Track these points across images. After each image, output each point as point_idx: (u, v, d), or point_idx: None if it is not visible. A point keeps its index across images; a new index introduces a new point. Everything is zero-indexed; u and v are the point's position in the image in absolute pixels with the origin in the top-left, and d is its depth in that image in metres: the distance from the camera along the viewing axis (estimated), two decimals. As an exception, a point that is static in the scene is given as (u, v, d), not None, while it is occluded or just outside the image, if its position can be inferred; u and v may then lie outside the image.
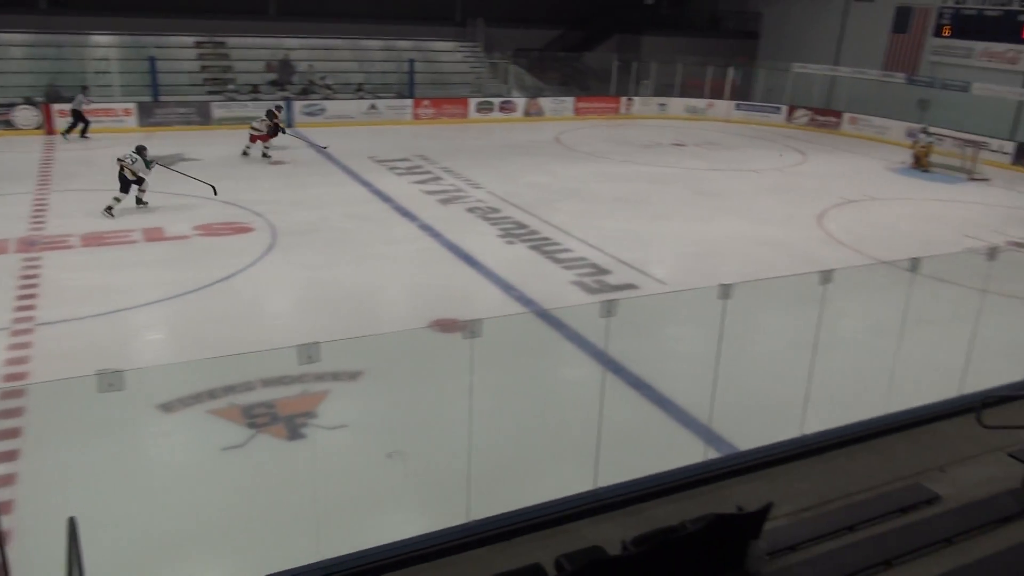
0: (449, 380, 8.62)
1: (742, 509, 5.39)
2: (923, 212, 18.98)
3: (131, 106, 24.55)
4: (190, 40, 28.46)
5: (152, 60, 25.64)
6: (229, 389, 8.72)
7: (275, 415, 8.45)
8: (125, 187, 15.39)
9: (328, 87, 27.82)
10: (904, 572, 5.05)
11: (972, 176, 22.75)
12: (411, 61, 29.28)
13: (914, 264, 8.24)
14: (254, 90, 26.97)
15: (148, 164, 15.59)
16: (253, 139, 20.93)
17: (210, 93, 26.62)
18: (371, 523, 6.86)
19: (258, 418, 8.41)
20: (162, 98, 25.43)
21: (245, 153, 21.18)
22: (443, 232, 15.27)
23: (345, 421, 8.70)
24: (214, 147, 21.96)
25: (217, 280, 12.29)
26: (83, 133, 22.65)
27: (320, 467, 7.07)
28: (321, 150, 22.33)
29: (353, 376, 9.21)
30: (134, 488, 7.22)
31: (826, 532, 5.73)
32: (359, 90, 28.32)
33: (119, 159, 15.34)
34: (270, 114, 21.30)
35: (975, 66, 28.27)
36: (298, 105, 26.21)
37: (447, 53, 32.24)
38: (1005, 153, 25.12)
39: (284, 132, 21.60)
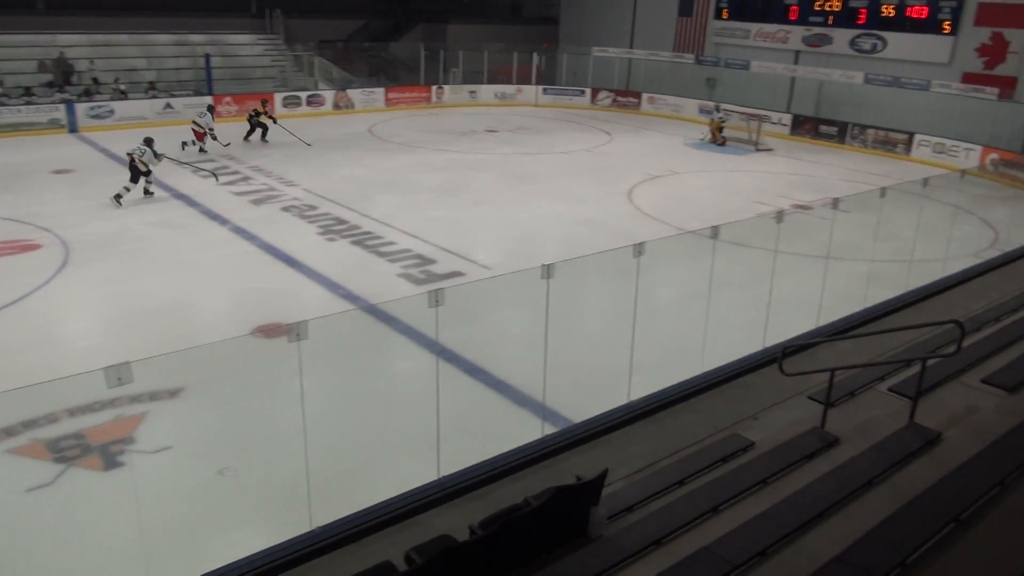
0: (278, 387, 8.29)
1: (581, 479, 5.60)
2: (719, 183, 20.49)
3: None
4: (-57, 40, 25.37)
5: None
6: (29, 424, 7.91)
7: (86, 445, 7.77)
8: (135, 177, 16.28)
9: (121, 91, 25.66)
10: (729, 516, 5.45)
11: (758, 147, 24.84)
12: (207, 56, 27.68)
13: (715, 232, 8.88)
14: (27, 92, 24.42)
15: (156, 156, 16.55)
16: (200, 136, 21.32)
17: (-27, 98, 23.84)
18: (208, 545, 6.48)
19: (67, 451, 7.70)
20: (-86, 106, 22.51)
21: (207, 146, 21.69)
22: (258, 234, 14.63)
23: (168, 442, 8.14)
24: (-15, 158, 19.72)
25: (2, 306, 11.09)
26: None
27: (144, 494, 6.57)
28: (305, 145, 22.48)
29: (173, 394, 8.64)
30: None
31: (659, 489, 6.07)
32: (151, 89, 26.41)
33: (128, 152, 16.33)
34: (211, 109, 22.14)
35: (753, 46, 30.81)
36: (81, 108, 24.04)
37: (246, 47, 30.78)
38: (784, 125, 27.62)
39: (275, 123, 23.18)
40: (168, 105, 25.62)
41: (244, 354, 8.73)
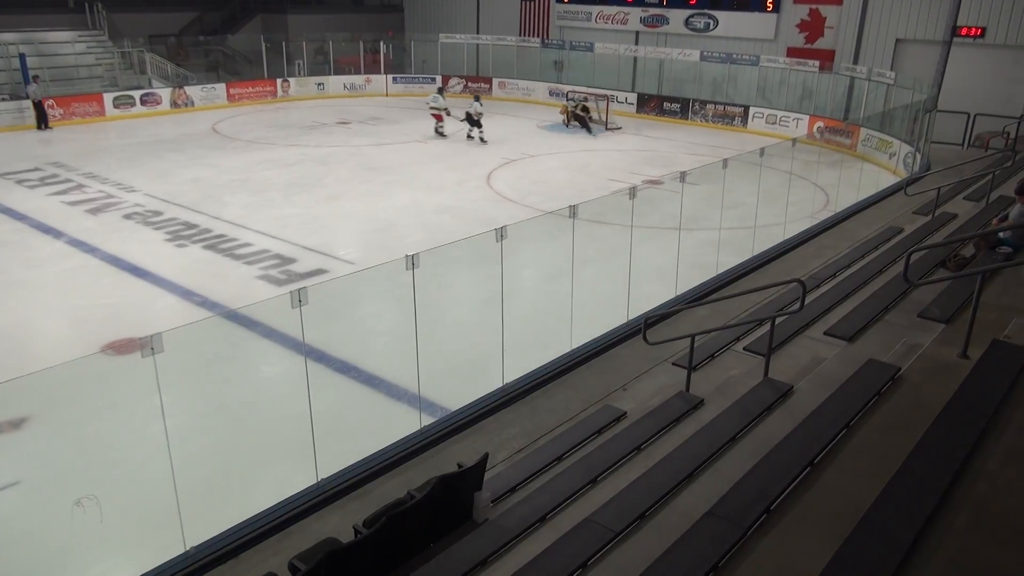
0: (135, 405, 7.84)
1: (462, 465, 5.63)
2: (573, 163, 20.98)
3: None
4: None
5: None
6: None
7: (-83, 492, 7.03)
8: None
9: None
10: (607, 485, 5.64)
11: (607, 126, 25.60)
12: (22, 56, 25.45)
13: (573, 211, 9.10)
14: None
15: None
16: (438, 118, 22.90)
17: None
18: (69, 583, 6.05)
19: None
20: None
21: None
22: (99, 245, 13.67)
23: (15, 477, 7.50)
24: None
25: None
26: None
27: (-9, 538, 6.06)
28: None
29: (16, 424, 7.97)
30: None
31: (539, 467, 6.20)
32: (-42, 94, 24.07)
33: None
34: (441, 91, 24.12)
35: (595, 28, 31.66)
36: None
37: (66, 44, 28.47)
38: (630, 104, 28.62)
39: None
40: (-19, 110, 23.44)
41: (94, 374, 8.16)
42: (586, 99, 26.00)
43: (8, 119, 23.79)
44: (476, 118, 22.78)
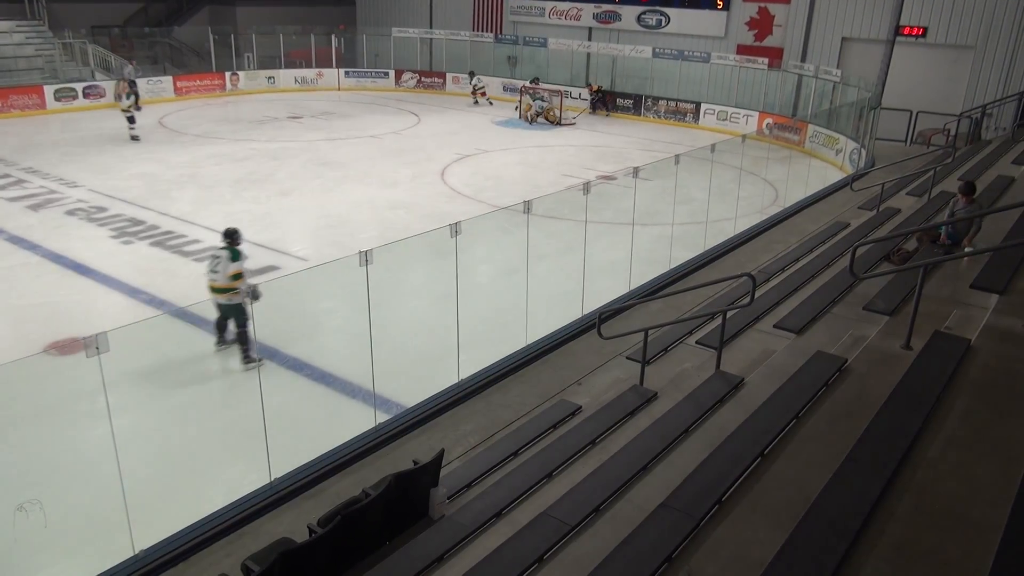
0: (80, 405, 7.64)
1: (418, 462, 5.60)
2: (527, 159, 21.01)
3: None
4: None
5: None
6: None
7: None
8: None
9: None
10: (563, 479, 5.67)
11: (561, 122, 25.68)
12: (-43, 46, 24.56)
13: (527, 206, 9.11)
14: None
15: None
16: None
17: None
18: (12, 591, 5.87)
19: None
20: None
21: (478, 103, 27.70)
22: (40, 243, 13.26)
23: (-47, 484, 7.25)
24: None
25: None
26: None
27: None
28: None
29: (-48, 429, 7.69)
30: None
31: (495, 463, 6.21)
32: None
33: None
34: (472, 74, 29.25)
35: (549, 23, 31.73)
36: None
37: (3, 35, 27.51)
38: (584, 99, 28.75)
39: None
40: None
41: (37, 375, 7.92)
42: (543, 97, 26.08)
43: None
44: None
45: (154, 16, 33.67)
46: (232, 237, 9.33)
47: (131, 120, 21.51)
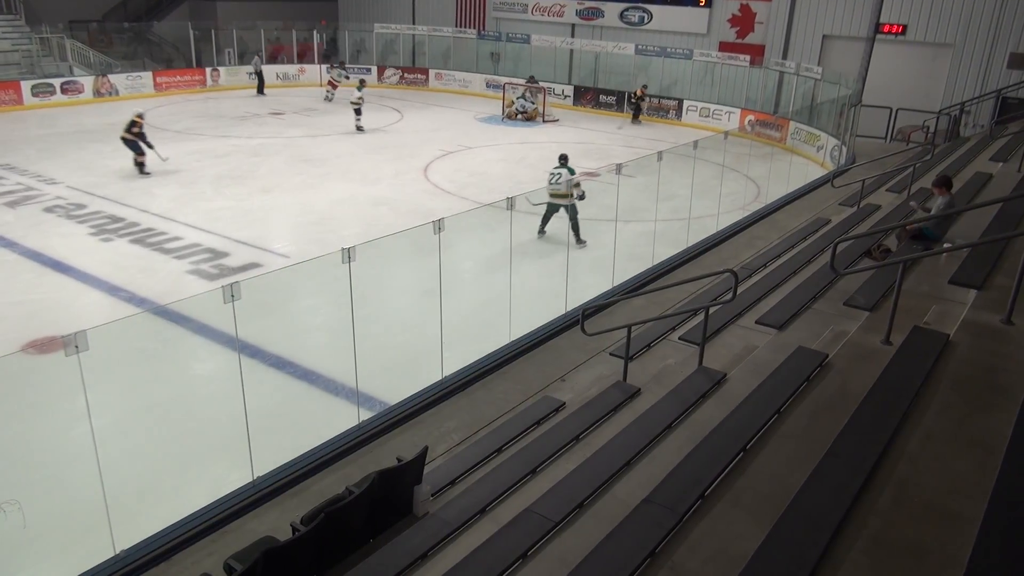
0: (59, 405, 7.57)
1: (402, 460, 5.59)
2: (510, 155, 21.00)
3: None
4: None
5: None
6: None
7: None
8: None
9: None
10: (547, 475, 5.69)
11: (544, 118, 25.69)
12: (-69, 41, 24.22)
13: (510, 203, 9.11)
14: None
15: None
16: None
17: None
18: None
19: None
20: None
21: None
22: (18, 240, 13.11)
23: (-71, 485, 7.16)
24: None
25: None
26: None
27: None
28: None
29: (-71, 429, 7.59)
30: None
31: (479, 459, 6.21)
32: None
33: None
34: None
35: (531, 20, 31.70)
36: None
37: (-21, 30, 27.21)
38: (567, 96, 28.77)
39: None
40: None
41: (15, 374, 7.83)
42: (528, 99, 26.08)
43: None
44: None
45: (133, 10, 33.32)
46: (565, 159, 13.20)
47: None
